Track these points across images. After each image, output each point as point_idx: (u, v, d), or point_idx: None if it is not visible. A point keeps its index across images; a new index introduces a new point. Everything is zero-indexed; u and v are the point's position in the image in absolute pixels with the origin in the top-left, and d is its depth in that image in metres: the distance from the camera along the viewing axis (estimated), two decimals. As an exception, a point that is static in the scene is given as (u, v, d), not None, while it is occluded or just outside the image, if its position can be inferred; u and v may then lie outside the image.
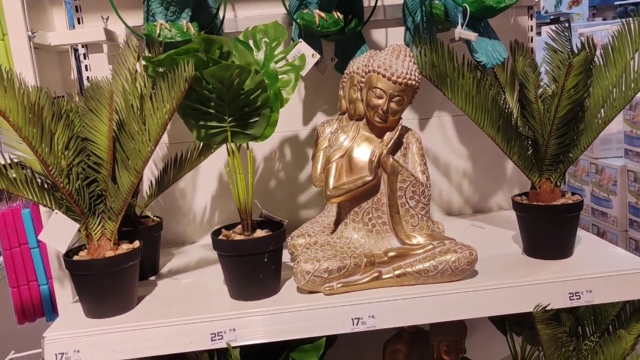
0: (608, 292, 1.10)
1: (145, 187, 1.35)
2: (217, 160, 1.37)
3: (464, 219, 1.57)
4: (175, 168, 1.31)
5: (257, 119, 1.10)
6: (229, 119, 1.09)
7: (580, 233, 1.29)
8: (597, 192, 3.74)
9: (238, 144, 1.13)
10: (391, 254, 1.14)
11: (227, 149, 1.12)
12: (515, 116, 1.22)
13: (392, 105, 1.15)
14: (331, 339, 1.18)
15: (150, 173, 1.46)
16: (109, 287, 1.07)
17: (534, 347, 1.40)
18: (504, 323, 1.42)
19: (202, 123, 1.09)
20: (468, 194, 1.61)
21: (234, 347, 1.05)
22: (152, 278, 1.30)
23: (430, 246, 1.14)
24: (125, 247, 1.11)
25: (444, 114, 1.57)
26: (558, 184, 1.20)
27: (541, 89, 1.20)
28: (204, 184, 1.54)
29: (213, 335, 1.05)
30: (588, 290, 1.10)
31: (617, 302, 1.19)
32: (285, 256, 1.21)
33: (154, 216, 1.32)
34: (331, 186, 1.18)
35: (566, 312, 1.17)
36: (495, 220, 1.52)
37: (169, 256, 1.45)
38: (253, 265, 1.10)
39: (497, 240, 1.36)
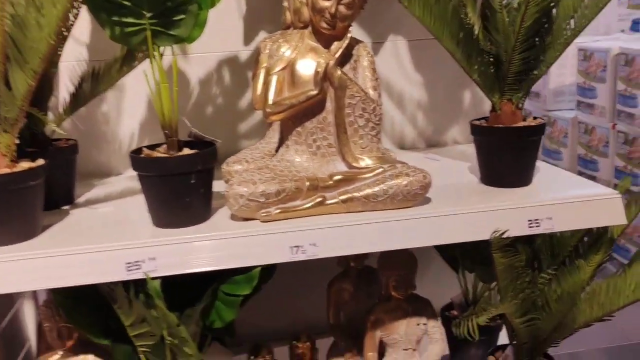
0: (568, 220, 1.02)
1: (61, 107, 1.17)
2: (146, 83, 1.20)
3: (417, 152, 1.46)
4: (93, 82, 1.13)
5: (183, 16, 0.94)
6: (149, 15, 0.92)
7: (539, 163, 1.20)
8: (548, 144, 3.73)
9: (161, 49, 0.97)
10: (337, 177, 1.02)
11: (149, 52, 0.96)
12: (477, 30, 1.10)
13: (341, 8, 1.01)
14: (268, 272, 1.06)
15: (67, 92, 1.28)
16: (4, 209, 0.90)
17: (487, 284, 1.32)
18: (457, 260, 1.34)
19: (115, 19, 0.92)
20: (422, 126, 1.50)
21: (154, 278, 0.91)
22: (66, 207, 1.14)
23: (380, 169, 1.02)
24: (25, 165, 0.95)
25: (399, 38, 1.44)
26: (520, 106, 1.10)
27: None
28: (131, 109, 1.37)
29: (129, 265, 0.91)
30: (548, 218, 1.01)
31: (575, 234, 1.12)
32: (221, 186, 1.07)
33: (67, 139, 1.16)
34: (271, 101, 1.04)
35: (523, 243, 1.08)
36: (450, 154, 1.42)
37: (89, 187, 1.28)
38: (178, 187, 0.96)
39: (453, 172, 1.26)
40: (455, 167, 1.29)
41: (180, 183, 0.96)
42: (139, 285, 0.95)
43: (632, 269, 0.95)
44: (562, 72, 3.69)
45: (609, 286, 0.94)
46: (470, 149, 1.45)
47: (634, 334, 2.64)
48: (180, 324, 0.91)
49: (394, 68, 1.46)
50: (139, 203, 1.08)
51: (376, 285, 1.32)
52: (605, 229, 1.09)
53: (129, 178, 1.35)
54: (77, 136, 1.21)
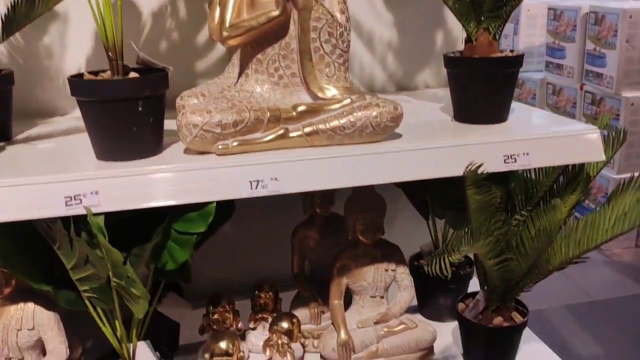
0: (546, 156, 0.97)
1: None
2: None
3: (387, 95, 1.39)
4: (28, 4, 1.01)
5: None
6: None
7: (514, 104, 1.14)
8: (517, 104, 3.69)
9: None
10: (301, 108, 0.94)
11: (88, -37, 0.85)
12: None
13: None
14: (226, 211, 0.97)
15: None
16: None
17: (457, 230, 1.27)
18: (426, 206, 1.28)
19: None
20: (393, 68, 1.42)
21: (97, 214, 0.82)
22: (1, 144, 1.03)
23: (348, 100, 0.95)
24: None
25: (368, -28, 1.35)
26: (497, 36, 1.03)
27: None
28: (77, 42, 1.24)
29: (68, 199, 0.81)
30: (525, 153, 0.95)
31: (550, 174, 1.07)
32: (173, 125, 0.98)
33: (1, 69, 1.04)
34: (228, 23, 0.94)
35: (497, 184, 1.02)
36: (422, 97, 1.35)
37: (30, 125, 1.17)
38: (124, 114, 0.86)
39: (425, 111, 1.19)
40: (427, 107, 1.23)
41: (125, 110, 0.86)
42: (82, 224, 0.86)
43: (611, 203, 0.90)
44: (532, 32, 3.65)
45: (587, 223, 0.90)
46: (443, 92, 1.38)
47: (594, 291, 2.68)
48: (127, 262, 0.82)
49: (363, 6, 1.37)
50: (84, 140, 0.98)
51: (343, 233, 1.25)
52: (581, 168, 1.04)
53: (76, 118, 1.23)
54: (16, 72, 1.09)
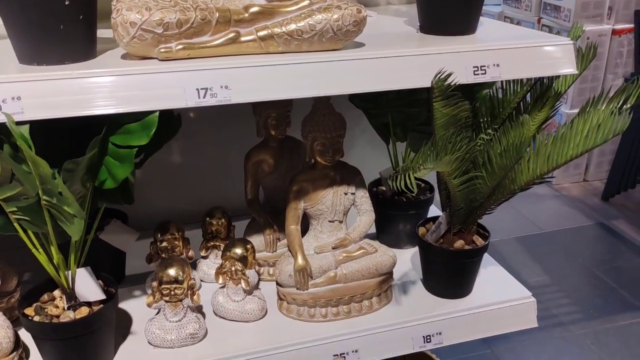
0: (516, 67, 0.91)
1: None
2: None
3: (347, 11, 1.29)
4: None
5: None
6: None
7: (482, 19, 1.07)
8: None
9: None
10: (254, 9, 0.84)
11: None
12: None
13: None
14: (172, 124, 0.88)
15: None
16: None
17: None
18: (387, 129, 1.22)
19: None
20: (352, -18, 1.32)
21: (20, 123, 0.72)
22: None
23: (307, 2, 0.85)
24: None
25: None
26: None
27: None
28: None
29: (-15, 105, 0.71)
30: (495, 64, 0.89)
31: (517, 94, 1.02)
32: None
33: None
34: None
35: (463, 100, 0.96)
36: (385, 12, 1.26)
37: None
38: (47, 10, 0.74)
39: (389, 24, 1.11)
40: (391, 21, 1.14)
41: (49, 5, 0.74)
42: (4, 135, 0.75)
43: (583, 116, 0.86)
44: (491, -35, 3.57)
45: (558, 138, 0.85)
46: (406, 8, 1.30)
47: (543, 223, 2.74)
48: (57, 177, 0.73)
49: None
50: (5, 43, 0.85)
51: (299, 156, 1.19)
52: (550, 84, 0.99)
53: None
54: None
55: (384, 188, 1.28)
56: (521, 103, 1.03)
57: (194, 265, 1.17)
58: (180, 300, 0.99)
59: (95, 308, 0.91)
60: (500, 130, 0.98)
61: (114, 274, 1.12)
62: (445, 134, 0.89)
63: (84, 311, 0.90)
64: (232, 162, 1.22)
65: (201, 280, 1.16)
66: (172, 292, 0.97)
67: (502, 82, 1.04)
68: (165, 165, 1.31)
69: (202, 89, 0.78)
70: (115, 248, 1.11)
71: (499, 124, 1.02)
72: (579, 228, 2.70)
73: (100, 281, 0.95)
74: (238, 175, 1.19)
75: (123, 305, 1.09)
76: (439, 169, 0.89)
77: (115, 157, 0.79)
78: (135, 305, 1.08)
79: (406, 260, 1.22)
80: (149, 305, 0.98)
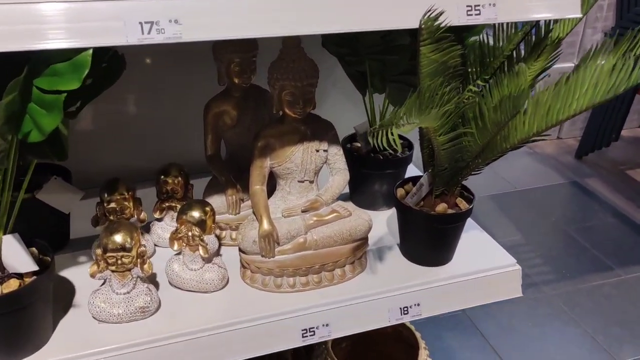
0: (514, 8, 0.79)
1: None
2: None
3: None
4: None
5: None
6: None
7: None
8: None
9: None
10: None
11: None
12: None
13: None
14: (113, 65, 0.74)
15: None
16: None
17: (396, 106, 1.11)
18: (365, 78, 1.10)
19: None
20: None
21: None
22: None
23: None
24: None
25: None
26: None
27: None
28: None
29: None
30: (491, 4, 0.78)
31: (512, 38, 0.91)
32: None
33: None
34: None
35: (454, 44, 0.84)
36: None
37: None
38: None
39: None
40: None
41: None
42: None
43: (592, 61, 0.76)
44: None
45: (561, 88, 0.75)
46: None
47: (518, 181, 2.69)
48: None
49: None
50: None
51: (265, 108, 1.06)
52: (548, 29, 0.88)
53: None
54: None
55: (358, 144, 1.17)
56: (514, 52, 0.92)
57: (147, 229, 1.05)
58: (129, 270, 0.87)
59: (27, 280, 0.79)
60: (491, 82, 0.86)
61: (56, 238, 1.00)
62: (433, 84, 0.77)
63: (13, 284, 0.78)
64: (190, 113, 1.09)
65: (155, 245, 1.05)
66: (119, 261, 0.85)
67: (494, 27, 0.93)
68: (114, 115, 1.17)
69: (146, 22, 0.64)
70: (56, 209, 0.98)
71: (489, 75, 0.91)
72: (553, 186, 2.66)
73: (34, 248, 0.83)
74: (197, 128, 1.06)
75: (66, 273, 0.97)
76: (424, 124, 0.78)
77: (40, 104, 0.65)
78: (80, 274, 0.97)
79: (382, 223, 1.13)
80: (92, 276, 0.87)
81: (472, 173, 0.94)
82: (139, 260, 0.87)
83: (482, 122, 0.81)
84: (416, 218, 0.97)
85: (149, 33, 0.65)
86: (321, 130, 0.96)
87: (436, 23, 0.72)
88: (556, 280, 2.02)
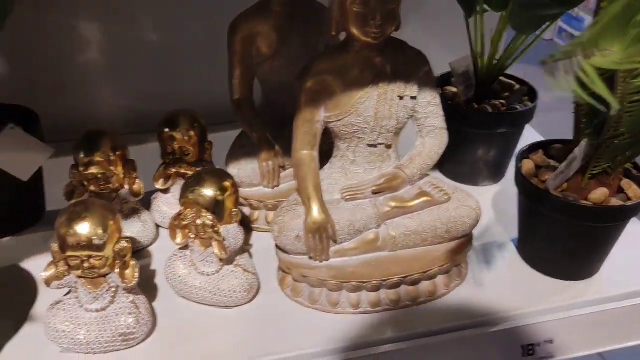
0: None
1: None
2: None
3: None
4: None
5: None
6: None
7: None
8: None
9: None
10: None
11: None
12: None
13: None
14: None
15: None
16: None
17: (525, 34, 0.73)
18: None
19: None
20: None
21: None
22: None
23: None
24: None
25: None
26: None
27: None
28: None
29: None
30: None
31: None
32: None
33: None
34: None
35: None
36: None
37: None
38: None
39: None
40: None
41: None
42: None
43: None
44: None
45: None
46: None
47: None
48: None
49: None
50: None
51: (319, 30, 0.70)
52: None
53: None
54: None
55: (455, 90, 0.81)
56: None
57: (147, 204, 0.73)
58: (103, 276, 0.56)
59: None
60: None
61: (25, 210, 0.72)
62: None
63: None
64: (208, 37, 0.75)
65: (158, 227, 0.73)
66: (85, 264, 0.54)
67: None
68: (107, 38, 0.84)
69: None
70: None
71: None
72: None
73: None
74: (219, 59, 0.72)
75: (28, 264, 0.67)
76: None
77: None
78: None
79: (485, 206, 0.76)
80: (47, 284, 0.56)
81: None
82: (116, 262, 0.56)
83: None
84: (555, 208, 0.61)
85: None
86: (408, 66, 0.61)
87: None
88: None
